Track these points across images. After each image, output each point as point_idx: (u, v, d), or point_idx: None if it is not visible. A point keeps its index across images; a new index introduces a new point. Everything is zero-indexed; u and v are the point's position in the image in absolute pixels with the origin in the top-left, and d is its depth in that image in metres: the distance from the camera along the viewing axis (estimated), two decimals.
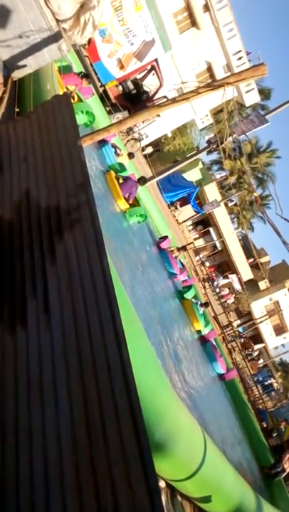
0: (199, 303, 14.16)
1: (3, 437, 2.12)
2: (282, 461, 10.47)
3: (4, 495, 1.93)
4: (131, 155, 12.13)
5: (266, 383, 33.49)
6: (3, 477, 1.99)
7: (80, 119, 7.84)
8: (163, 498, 3.91)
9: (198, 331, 13.25)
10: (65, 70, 8.29)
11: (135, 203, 10.56)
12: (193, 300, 13.73)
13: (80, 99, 8.11)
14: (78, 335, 2.42)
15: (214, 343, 13.99)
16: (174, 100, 3.39)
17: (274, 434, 16.98)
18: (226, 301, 30.76)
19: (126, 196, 9.80)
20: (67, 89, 7.79)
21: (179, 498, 4.35)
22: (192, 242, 28.14)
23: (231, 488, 4.95)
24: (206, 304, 15.17)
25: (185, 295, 13.32)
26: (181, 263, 16.09)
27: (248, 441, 12.86)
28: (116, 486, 1.86)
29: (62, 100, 4.10)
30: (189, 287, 13.97)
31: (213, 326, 14.58)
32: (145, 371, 3.32)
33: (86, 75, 8.76)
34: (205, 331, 13.40)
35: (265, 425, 18.13)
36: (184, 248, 16.23)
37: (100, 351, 2.34)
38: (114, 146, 11.09)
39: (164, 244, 13.71)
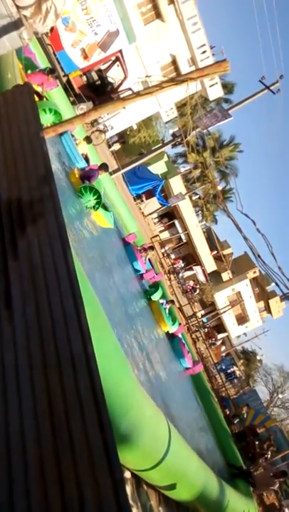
0: (165, 301, 13.88)
1: None
2: (256, 482, 10.64)
3: None
4: (88, 139, 11.53)
5: (229, 371, 34.51)
6: None
7: (47, 118, 7.55)
8: (129, 488, 3.97)
9: (166, 332, 13.27)
10: (30, 68, 8.07)
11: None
12: (160, 301, 13.38)
13: (46, 98, 7.93)
14: (42, 331, 2.40)
15: (182, 338, 14.10)
16: (138, 94, 3.38)
17: (236, 421, 17.55)
18: (190, 290, 31.27)
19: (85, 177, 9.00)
20: (35, 91, 7.60)
21: (145, 487, 4.43)
22: (158, 235, 28.34)
23: (195, 475, 5.08)
24: (172, 301, 14.97)
25: (152, 296, 12.89)
26: (150, 262, 15.59)
27: (212, 429, 13.21)
28: (81, 480, 1.87)
29: (24, 90, 3.99)
30: (156, 287, 13.48)
31: (180, 321, 14.52)
32: (110, 365, 3.34)
33: (51, 71, 8.52)
34: (172, 329, 13.37)
35: (228, 412, 18.69)
36: (151, 248, 15.42)
37: (64, 347, 2.33)
38: (73, 136, 10.46)
39: (130, 238, 13.38)
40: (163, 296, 13.98)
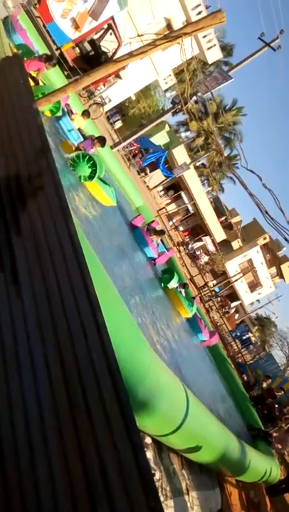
0: (179, 284, 12.84)
1: None
2: (273, 438, 10.84)
3: None
4: (85, 113, 10.66)
5: (244, 338, 34.81)
6: None
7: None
8: (150, 453, 4.06)
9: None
10: (26, 55, 7.79)
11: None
12: (177, 287, 12.40)
13: (43, 83, 7.65)
14: (51, 303, 2.39)
15: (198, 314, 13.86)
16: (131, 55, 3.24)
17: (256, 388, 17.72)
18: (200, 262, 31.23)
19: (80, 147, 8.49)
20: (31, 76, 7.31)
21: (167, 451, 4.53)
22: (164, 208, 28.08)
23: (215, 437, 5.18)
24: (185, 285, 13.69)
25: (168, 285, 11.88)
26: (162, 243, 14.27)
27: (230, 394, 13.43)
28: (100, 445, 1.90)
29: (13, 62, 3.86)
30: (171, 272, 12.40)
31: (194, 302, 13.79)
32: (123, 334, 3.34)
33: (49, 57, 8.17)
34: (192, 313, 12.71)
35: (245, 378, 18.95)
36: (162, 232, 13.63)
37: (74, 318, 2.33)
38: (67, 107, 9.84)
39: (137, 221, 12.17)
40: (179, 280, 12.98)
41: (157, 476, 3.99)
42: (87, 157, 7.80)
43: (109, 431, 1.91)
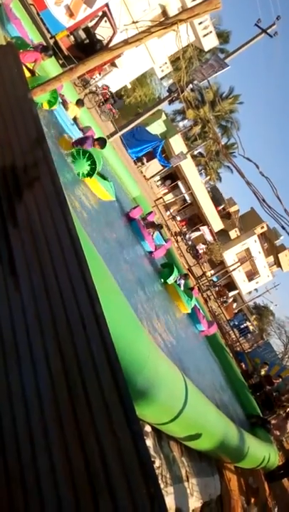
0: (179, 276, 12.55)
1: None
2: (272, 425, 10.94)
3: None
4: (79, 102, 10.42)
5: (242, 327, 35.03)
6: None
7: (42, 97, 7.03)
8: (150, 441, 4.10)
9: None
10: (22, 47, 7.66)
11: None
12: (177, 280, 12.17)
13: (38, 74, 7.50)
14: (49, 295, 2.39)
15: (197, 305, 13.80)
16: (126, 42, 3.19)
17: (254, 376, 17.89)
18: (200, 257, 31.25)
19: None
20: (27, 67, 7.16)
21: (166, 439, 4.58)
22: (162, 197, 27.99)
23: (214, 425, 5.23)
24: (185, 276, 13.50)
25: (167, 280, 11.63)
26: (160, 235, 13.91)
27: (228, 382, 13.55)
28: (100, 434, 1.91)
29: (7, 51, 3.80)
30: (170, 266, 12.07)
31: (193, 294, 13.59)
32: (122, 324, 3.35)
33: (45, 48, 8.00)
34: (190, 308, 12.55)
35: (243, 366, 19.11)
36: (159, 226, 13.29)
37: (73, 309, 2.33)
38: (61, 97, 9.32)
39: (134, 213, 11.84)
40: (179, 272, 12.75)
41: (157, 463, 4.04)
42: (87, 154, 7.71)
43: (109, 420, 1.93)
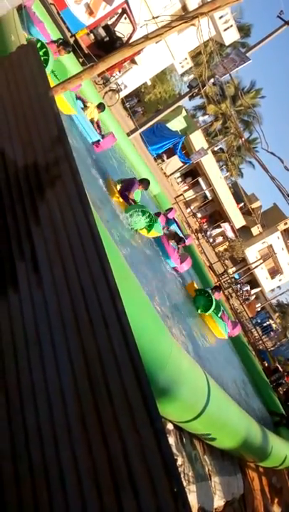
0: (210, 289, 11.36)
1: (7, 397, 2.14)
2: None
3: (15, 450, 1.97)
4: (101, 106, 9.90)
5: (265, 325, 34.54)
6: (11, 432, 2.03)
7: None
8: (172, 439, 4.08)
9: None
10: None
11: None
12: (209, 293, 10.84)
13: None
14: (71, 291, 2.40)
15: (222, 308, 13.38)
16: (146, 37, 3.16)
17: (277, 374, 17.61)
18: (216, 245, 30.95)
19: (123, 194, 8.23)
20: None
21: (189, 437, 4.56)
22: (182, 194, 27.82)
23: (237, 423, 5.18)
24: (217, 288, 12.19)
25: (206, 313, 10.48)
26: (180, 230, 12.85)
27: (251, 381, 13.40)
28: (123, 433, 1.90)
29: (29, 50, 3.83)
30: (206, 297, 10.64)
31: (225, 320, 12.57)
32: (143, 322, 3.35)
33: (64, 43, 7.92)
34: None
35: (266, 364, 18.86)
36: (181, 239, 12.03)
37: (94, 306, 2.33)
38: (79, 98, 9.23)
39: (170, 216, 11.55)
40: (210, 289, 11.36)
41: (179, 461, 4.03)
42: (142, 210, 8.25)
43: (131, 418, 1.92)
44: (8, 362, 2.24)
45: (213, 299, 10.00)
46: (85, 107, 9.11)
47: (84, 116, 8.82)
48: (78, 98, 8.94)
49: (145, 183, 9.05)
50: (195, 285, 10.93)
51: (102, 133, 9.65)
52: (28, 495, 1.81)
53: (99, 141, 9.07)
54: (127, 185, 8.45)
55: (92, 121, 9.33)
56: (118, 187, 8.45)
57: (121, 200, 8.19)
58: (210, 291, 10.45)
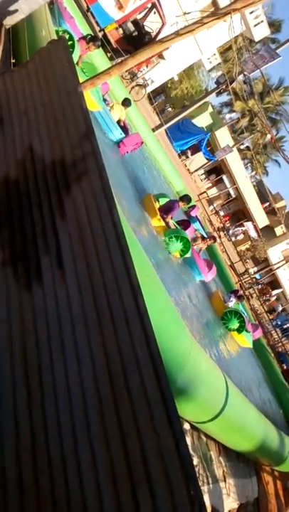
0: (233, 296, 11.37)
1: (29, 392, 2.17)
2: None
3: (34, 444, 2.00)
4: (126, 102, 9.71)
5: (285, 327, 33.97)
6: (32, 427, 2.05)
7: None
8: (188, 439, 4.08)
9: None
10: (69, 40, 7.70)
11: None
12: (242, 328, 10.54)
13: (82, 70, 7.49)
14: (93, 287, 2.40)
15: (244, 311, 13.17)
16: (177, 34, 3.12)
17: None
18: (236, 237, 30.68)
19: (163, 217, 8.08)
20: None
21: (204, 438, 4.54)
22: (205, 192, 27.58)
23: (254, 427, 5.12)
24: (240, 297, 11.95)
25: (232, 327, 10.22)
26: (202, 228, 12.56)
27: (269, 384, 13.23)
28: (141, 432, 1.90)
29: (59, 45, 3.85)
30: (239, 316, 10.28)
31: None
32: (164, 321, 3.34)
33: (94, 38, 7.89)
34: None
35: (285, 367, 18.58)
36: (212, 238, 11.84)
37: (116, 302, 2.33)
38: (104, 100, 9.03)
39: (193, 213, 11.41)
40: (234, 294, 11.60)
41: (195, 461, 4.02)
42: (238, 314, 9.18)
43: (150, 418, 1.91)
44: (30, 356, 2.27)
45: (244, 319, 10.15)
46: (110, 108, 9.01)
47: (107, 112, 8.77)
48: (104, 95, 8.89)
49: (186, 199, 9.06)
50: (220, 294, 10.83)
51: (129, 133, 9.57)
52: (46, 488, 1.83)
53: (122, 140, 8.99)
54: (167, 208, 8.34)
55: (119, 121, 9.22)
56: (157, 204, 8.28)
57: (161, 221, 8.08)
58: (240, 312, 10.35)
